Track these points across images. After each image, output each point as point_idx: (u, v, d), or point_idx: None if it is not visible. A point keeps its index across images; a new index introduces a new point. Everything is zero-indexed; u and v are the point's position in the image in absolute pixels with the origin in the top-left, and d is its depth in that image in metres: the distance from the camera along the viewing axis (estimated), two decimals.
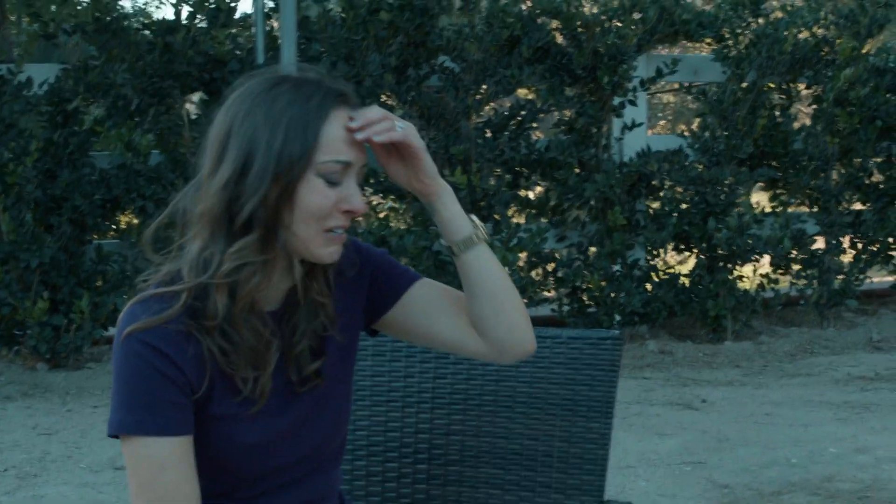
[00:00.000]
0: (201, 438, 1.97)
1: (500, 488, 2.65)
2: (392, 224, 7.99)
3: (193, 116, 7.67)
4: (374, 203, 8.32)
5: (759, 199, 9.72)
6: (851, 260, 8.86)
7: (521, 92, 8.96)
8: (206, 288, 1.93)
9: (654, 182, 8.22)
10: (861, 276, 8.78)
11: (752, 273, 8.38)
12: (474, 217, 2.14)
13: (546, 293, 8.16)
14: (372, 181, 7.78)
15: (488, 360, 2.20)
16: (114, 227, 7.82)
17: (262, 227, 1.92)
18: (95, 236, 7.65)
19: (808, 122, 8.84)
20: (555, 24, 8.10)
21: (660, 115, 20.32)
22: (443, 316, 2.18)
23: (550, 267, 7.98)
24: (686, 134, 8.45)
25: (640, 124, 8.20)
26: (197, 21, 7.47)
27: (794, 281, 8.61)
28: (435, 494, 2.66)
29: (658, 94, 18.72)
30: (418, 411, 2.69)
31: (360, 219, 8.02)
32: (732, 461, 5.39)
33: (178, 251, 1.99)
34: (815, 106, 8.84)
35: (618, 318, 7.98)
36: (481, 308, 2.14)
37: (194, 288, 1.93)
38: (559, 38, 8.13)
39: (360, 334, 2.21)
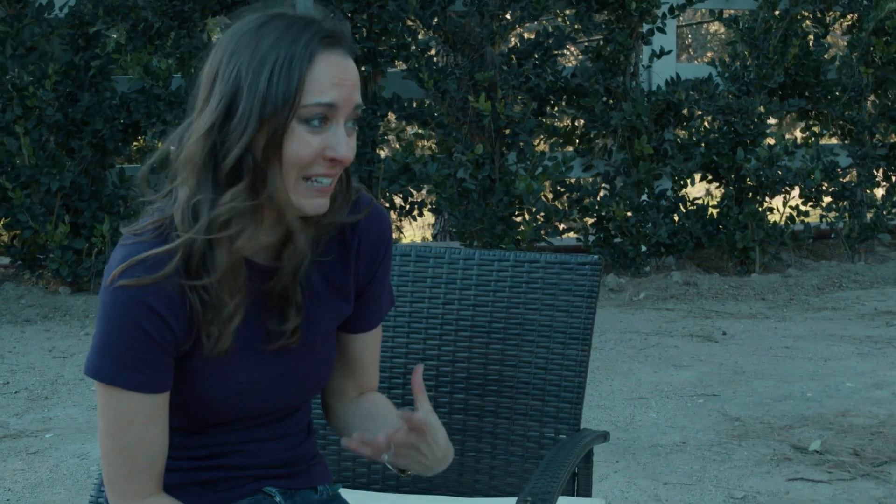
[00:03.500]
0: (178, 382, 1.92)
1: (476, 416, 2.60)
2: (416, 151, 7.92)
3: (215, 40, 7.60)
4: (398, 129, 8.25)
5: (792, 131, 9.58)
6: (885, 193, 8.72)
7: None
8: (195, 241, 1.84)
9: (682, 111, 8.09)
10: (894, 210, 8.63)
11: (781, 205, 8.26)
12: None
13: (571, 222, 8.08)
14: (395, 106, 7.70)
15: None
16: (136, 150, 7.81)
17: (250, 174, 1.82)
18: (120, 160, 7.63)
19: (841, 51, 8.66)
20: None
21: (708, 45, 20.07)
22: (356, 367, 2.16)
23: (576, 196, 7.89)
24: (716, 62, 8.30)
25: (669, 52, 8.05)
26: None
27: (824, 214, 8.49)
28: None
29: (705, 25, 18.50)
30: (394, 336, 2.63)
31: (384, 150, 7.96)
32: (746, 394, 5.32)
33: (168, 194, 1.89)
34: (848, 35, 8.66)
35: (644, 248, 7.89)
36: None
37: (189, 243, 1.84)
38: None
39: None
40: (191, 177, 1.84)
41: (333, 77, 1.82)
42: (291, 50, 1.80)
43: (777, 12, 8.13)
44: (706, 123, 8.20)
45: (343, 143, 1.83)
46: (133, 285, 1.82)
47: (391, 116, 7.97)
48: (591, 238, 8.00)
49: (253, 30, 1.83)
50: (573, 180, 7.99)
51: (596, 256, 2.56)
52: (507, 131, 7.72)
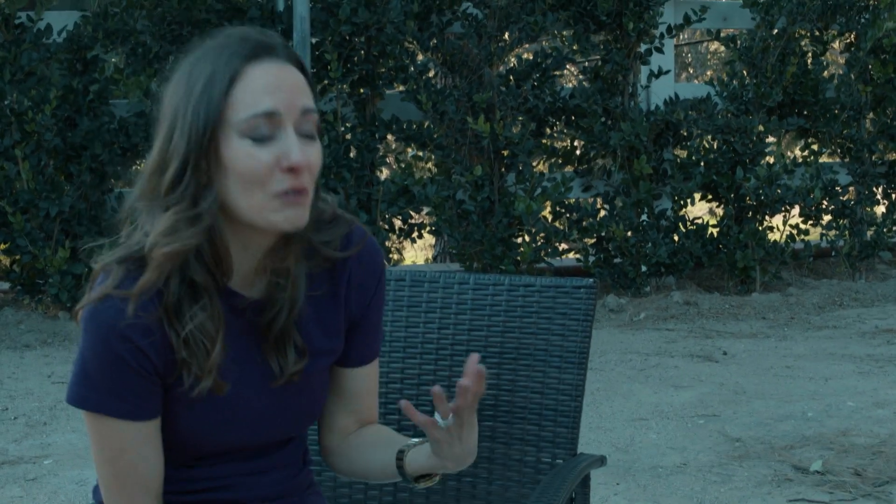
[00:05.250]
0: (166, 414, 1.91)
1: None
2: (415, 173, 7.92)
3: None
4: (397, 151, 8.24)
5: (791, 150, 9.58)
6: (885, 211, 8.71)
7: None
8: (170, 276, 1.83)
9: (681, 131, 8.10)
10: (895, 228, 8.62)
11: (781, 224, 8.25)
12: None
13: (571, 243, 8.07)
14: (394, 128, 7.70)
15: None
16: (135, 174, 7.79)
17: (190, 196, 1.80)
18: (120, 184, 7.64)
19: (839, 70, 8.67)
20: None
21: (708, 63, 20.08)
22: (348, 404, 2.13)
23: (575, 216, 7.88)
24: (715, 82, 8.31)
25: (667, 72, 8.06)
26: None
27: (824, 232, 8.48)
28: None
29: (705, 43, 18.52)
30: (389, 361, 2.62)
31: (384, 170, 7.96)
32: (747, 414, 5.30)
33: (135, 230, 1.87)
34: (846, 54, 8.67)
35: (644, 268, 7.88)
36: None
37: (162, 276, 1.82)
38: None
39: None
40: (148, 212, 1.84)
41: (266, 85, 1.80)
42: (213, 70, 1.79)
43: (775, 31, 8.14)
44: (705, 143, 8.20)
45: (295, 149, 1.79)
46: (109, 316, 1.81)
47: (390, 138, 7.97)
48: (591, 259, 8.00)
49: (191, 62, 1.83)
50: (572, 201, 7.99)
51: (591, 280, 2.55)
52: (506, 152, 7.72)
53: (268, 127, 1.79)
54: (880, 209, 8.82)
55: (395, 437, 2.10)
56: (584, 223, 7.88)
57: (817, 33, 8.53)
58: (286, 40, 1.91)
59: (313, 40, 7.43)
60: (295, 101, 1.82)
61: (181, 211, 1.80)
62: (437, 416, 1.89)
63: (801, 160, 8.34)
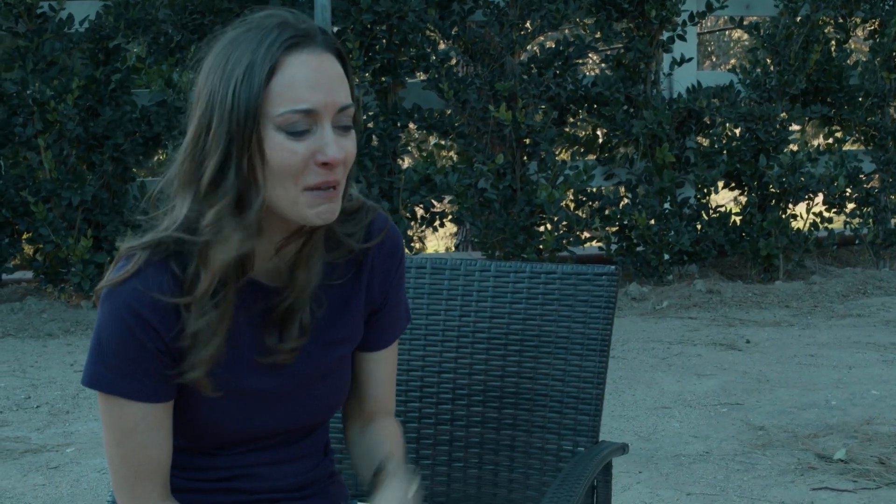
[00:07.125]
0: (179, 400, 1.91)
1: (494, 428, 2.57)
2: (437, 162, 7.91)
3: None
4: (419, 140, 8.23)
5: (815, 138, 9.53)
6: None
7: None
8: (188, 262, 1.82)
9: (704, 119, 8.06)
10: None
11: (805, 212, 8.21)
12: None
13: (593, 232, 8.05)
14: (416, 116, 7.69)
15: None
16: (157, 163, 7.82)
17: (233, 190, 1.78)
18: (142, 173, 7.66)
19: (863, 57, 8.62)
20: None
21: (731, 52, 20.01)
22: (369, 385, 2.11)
23: (597, 205, 7.86)
24: (737, 69, 8.28)
25: (690, 59, 8.02)
26: None
27: (848, 220, 8.44)
28: (427, 434, 2.59)
29: (728, 32, 18.45)
30: (410, 349, 2.61)
31: (406, 159, 7.96)
32: (770, 403, 5.28)
33: (168, 213, 1.85)
34: (870, 41, 8.62)
35: (666, 256, 7.86)
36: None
37: (184, 263, 1.82)
38: None
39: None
40: (180, 198, 1.82)
41: (307, 80, 1.77)
42: (252, 59, 1.75)
43: (798, 18, 8.10)
44: (728, 131, 8.16)
45: (331, 144, 1.79)
46: (128, 295, 1.81)
47: (412, 127, 7.95)
48: (614, 247, 7.98)
49: (227, 45, 1.79)
50: (595, 189, 7.97)
51: (613, 266, 2.53)
52: (528, 141, 7.70)
53: (305, 122, 1.78)
54: None
55: (382, 451, 2.06)
56: (606, 211, 7.86)
57: (841, 20, 8.48)
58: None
59: (335, 29, 7.43)
60: (334, 98, 1.80)
61: (226, 212, 1.79)
62: None
63: (824, 148, 8.30)
